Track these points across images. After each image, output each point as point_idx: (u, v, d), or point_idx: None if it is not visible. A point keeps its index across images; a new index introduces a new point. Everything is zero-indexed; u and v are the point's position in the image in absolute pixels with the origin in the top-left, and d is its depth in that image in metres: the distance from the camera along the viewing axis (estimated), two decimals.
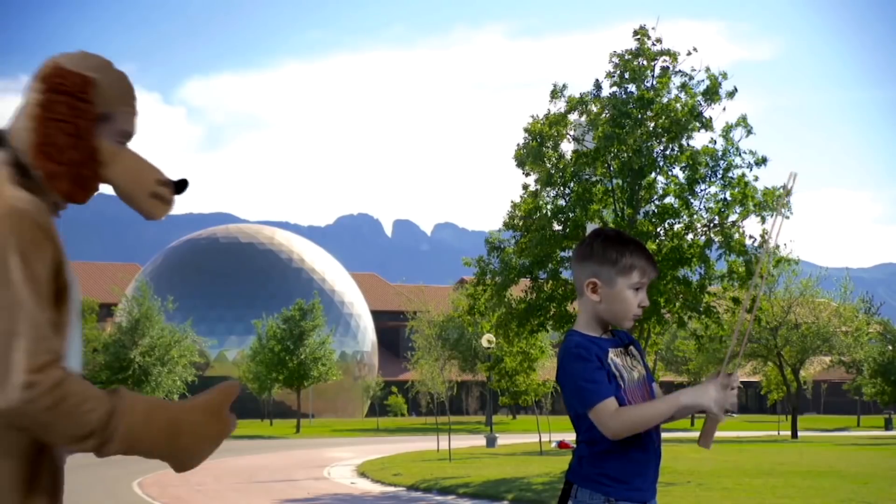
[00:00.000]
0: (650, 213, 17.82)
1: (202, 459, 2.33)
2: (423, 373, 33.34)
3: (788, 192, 2.99)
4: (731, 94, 17.45)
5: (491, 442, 29.04)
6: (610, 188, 17.72)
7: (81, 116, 2.34)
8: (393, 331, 68.12)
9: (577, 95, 17.88)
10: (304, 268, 61.20)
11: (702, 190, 17.62)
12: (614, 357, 2.98)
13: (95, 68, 2.42)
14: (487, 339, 23.84)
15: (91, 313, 55.98)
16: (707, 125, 17.38)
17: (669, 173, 17.83)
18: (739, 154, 17.42)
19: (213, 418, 2.34)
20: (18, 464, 2.26)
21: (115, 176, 2.42)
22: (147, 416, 2.23)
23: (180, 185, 2.47)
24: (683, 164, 17.53)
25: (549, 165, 17.68)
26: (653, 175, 17.73)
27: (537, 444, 27.31)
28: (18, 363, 2.09)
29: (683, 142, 17.50)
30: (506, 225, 18.45)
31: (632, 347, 3.06)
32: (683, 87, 17.50)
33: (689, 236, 17.60)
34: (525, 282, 18.36)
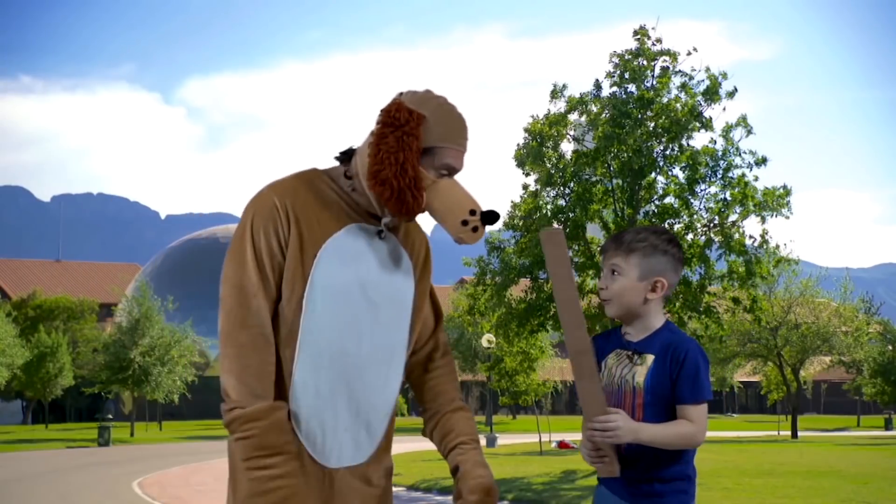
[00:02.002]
0: (650, 213, 17.82)
1: None
2: None
3: None
4: (731, 94, 17.45)
5: (491, 442, 29.03)
6: (610, 188, 17.72)
7: (406, 148, 2.69)
8: None
9: (577, 95, 17.87)
10: None
11: (702, 190, 17.63)
12: (613, 357, 3.00)
13: (429, 106, 2.76)
14: (487, 339, 23.86)
15: (91, 313, 56.01)
16: (707, 125, 17.38)
17: (669, 173, 17.84)
18: (739, 154, 17.42)
19: None
20: None
21: (432, 202, 2.76)
22: None
23: (488, 216, 2.76)
24: (683, 164, 17.54)
25: (549, 165, 17.68)
26: (653, 175, 17.73)
27: (537, 444, 27.30)
28: None
29: (683, 142, 17.51)
30: (506, 225, 18.44)
31: (647, 355, 2.94)
32: (683, 87, 17.50)
33: (689, 236, 17.60)
34: (525, 282, 18.37)
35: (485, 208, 2.79)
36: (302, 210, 2.73)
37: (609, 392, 2.95)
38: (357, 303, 2.77)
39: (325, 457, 2.77)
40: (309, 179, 2.81)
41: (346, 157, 2.85)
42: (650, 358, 2.93)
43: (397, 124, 2.71)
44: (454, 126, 2.78)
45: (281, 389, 2.73)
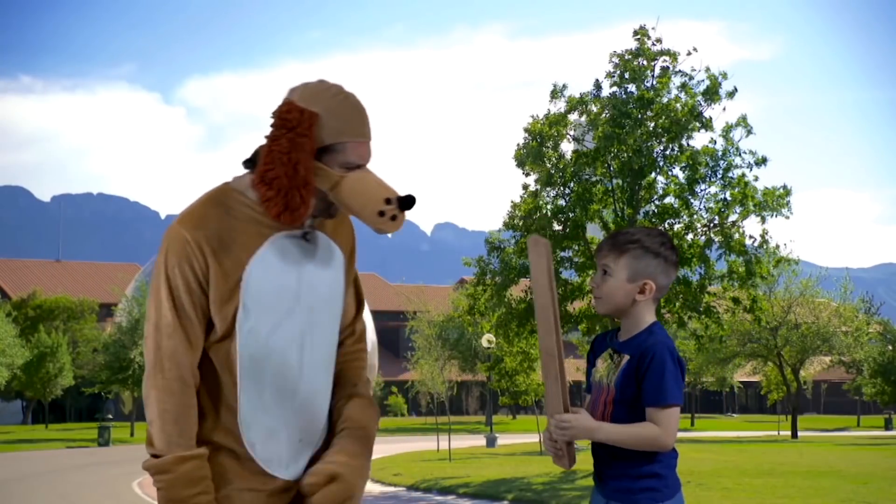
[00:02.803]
0: (650, 213, 17.82)
1: None
2: (422, 373, 33.29)
3: None
4: (731, 94, 17.45)
5: (491, 442, 29.04)
6: (610, 188, 17.72)
7: (298, 149, 2.61)
8: (393, 331, 68.11)
9: (577, 95, 17.88)
10: None
11: (702, 190, 17.63)
12: (604, 356, 3.09)
13: (322, 102, 2.66)
14: (487, 339, 23.83)
15: (91, 313, 55.99)
16: (707, 125, 17.38)
17: (669, 173, 17.84)
18: (739, 154, 17.42)
19: None
20: None
21: (343, 199, 2.68)
22: None
23: (404, 202, 2.68)
24: (683, 164, 17.54)
25: (549, 165, 17.68)
26: (653, 175, 17.73)
27: (537, 444, 27.29)
28: None
29: (683, 142, 17.51)
30: (506, 225, 18.44)
31: (625, 356, 2.99)
32: (683, 87, 17.50)
33: (689, 236, 17.60)
34: (525, 282, 18.36)
35: (416, 195, 2.70)
36: (216, 238, 2.64)
37: (596, 389, 3.07)
38: (294, 313, 2.72)
39: (285, 471, 2.75)
40: (219, 201, 2.70)
41: (253, 163, 2.74)
42: (626, 358, 2.99)
43: (289, 126, 2.62)
44: (351, 119, 2.68)
45: (228, 413, 2.70)
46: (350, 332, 2.95)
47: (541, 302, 3.00)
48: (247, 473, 2.71)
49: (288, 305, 2.70)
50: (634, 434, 2.90)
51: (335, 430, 2.82)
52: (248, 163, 2.74)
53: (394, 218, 2.67)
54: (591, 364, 3.14)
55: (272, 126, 2.66)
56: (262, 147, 2.69)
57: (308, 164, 2.62)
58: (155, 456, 2.63)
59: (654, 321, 3.06)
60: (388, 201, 2.66)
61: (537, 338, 3.07)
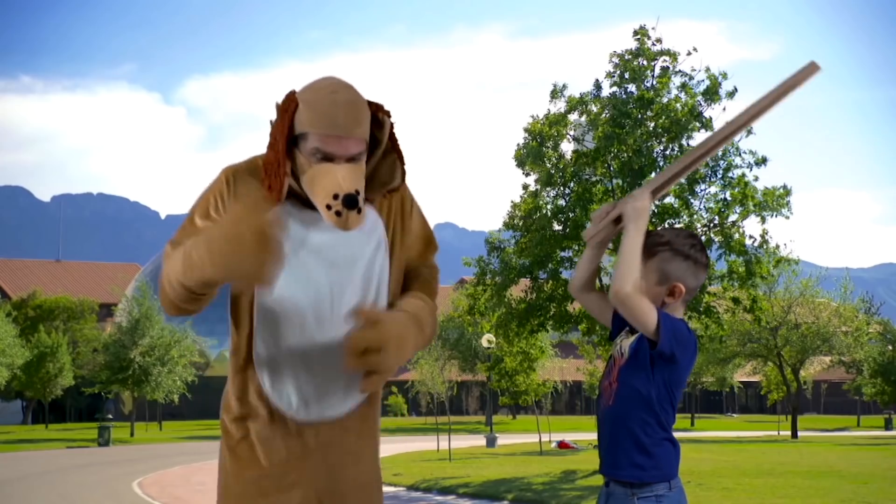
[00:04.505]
0: (650, 213, 17.82)
1: None
2: (423, 373, 33.30)
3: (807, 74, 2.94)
4: (731, 95, 17.44)
5: (491, 442, 29.03)
6: (610, 188, 17.71)
7: (278, 133, 2.81)
8: None
9: (577, 95, 17.87)
10: None
11: (702, 190, 17.62)
12: (623, 333, 3.11)
13: (308, 93, 2.82)
14: (487, 339, 23.85)
15: (91, 313, 55.98)
16: (707, 125, 17.38)
17: None
18: (739, 154, 17.41)
19: None
20: None
21: (305, 187, 2.82)
22: None
23: (347, 199, 2.74)
24: None
25: (549, 165, 17.68)
26: (653, 175, 17.72)
27: (537, 444, 27.30)
28: None
29: (683, 142, 17.50)
30: (506, 225, 18.44)
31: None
32: (683, 87, 17.50)
33: None
34: (525, 282, 18.36)
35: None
36: (246, 188, 2.88)
37: (612, 360, 3.10)
38: (311, 266, 2.84)
39: (304, 412, 2.87)
40: (255, 164, 2.94)
41: None
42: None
43: (279, 110, 2.83)
44: (323, 111, 2.77)
45: (247, 365, 2.86)
46: (415, 270, 3.11)
47: (760, 104, 2.99)
48: (268, 414, 2.86)
49: (303, 258, 2.84)
50: (637, 259, 2.91)
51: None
52: None
53: (338, 214, 2.74)
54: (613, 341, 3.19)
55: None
56: None
57: (281, 148, 2.79)
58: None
59: (682, 319, 3.07)
60: (335, 196, 2.74)
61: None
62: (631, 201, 2.99)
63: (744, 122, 2.98)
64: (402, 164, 2.98)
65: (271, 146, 2.82)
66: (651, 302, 2.98)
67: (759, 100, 2.99)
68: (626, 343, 3.04)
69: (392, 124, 2.93)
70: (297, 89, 2.85)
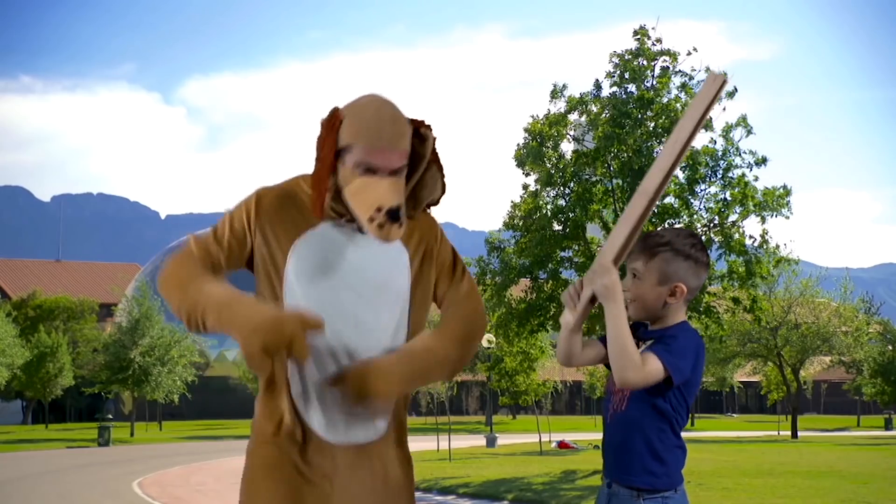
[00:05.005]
0: (650, 213, 17.82)
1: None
2: None
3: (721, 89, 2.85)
4: (731, 94, 17.44)
5: (491, 442, 29.04)
6: (610, 188, 17.71)
7: (324, 147, 2.87)
8: None
9: (577, 95, 17.86)
10: None
11: (702, 190, 17.61)
12: None
13: (353, 108, 2.89)
14: (487, 339, 23.83)
15: (91, 313, 55.97)
16: (707, 125, 17.38)
17: None
18: (739, 154, 17.41)
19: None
20: None
21: (348, 199, 2.87)
22: None
23: (390, 213, 2.81)
24: (683, 164, 17.52)
25: (549, 165, 17.67)
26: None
27: (537, 444, 27.30)
28: None
29: None
30: (506, 225, 18.43)
31: (646, 341, 3.03)
32: (683, 87, 17.50)
33: None
34: (525, 282, 18.36)
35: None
36: (275, 212, 2.95)
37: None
38: (338, 291, 2.91)
39: (329, 433, 2.91)
40: (290, 187, 3.01)
41: None
42: (651, 342, 3.00)
43: (324, 126, 2.89)
44: (366, 124, 2.85)
45: (276, 388, 2.92)
46: (443, 297, 3.16)
47: (679, 136, 2.88)
48: (301, 434, 2.92)
49: (331, 283, 2.91)
50: (629, 341, 2.85)
51: None
52: None
53: (381, 227, 2.82)
54: None
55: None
56: None
57: (326, 163, 2.86)
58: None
59: (683, 320, 3.06)
60: (378, 209, 2.82)
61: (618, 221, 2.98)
62: (598, 279, 2.90)
63: (677, 155, 2.90)
64: (443, 176, 3.05)
65: (319, 160, 2.88)
66: (654, 303, 2.98)
67: (678, 129, 2.91)
68: None
69: (434, 139, 2.99)
70: (340, 107, 2.91)
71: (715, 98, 2.88)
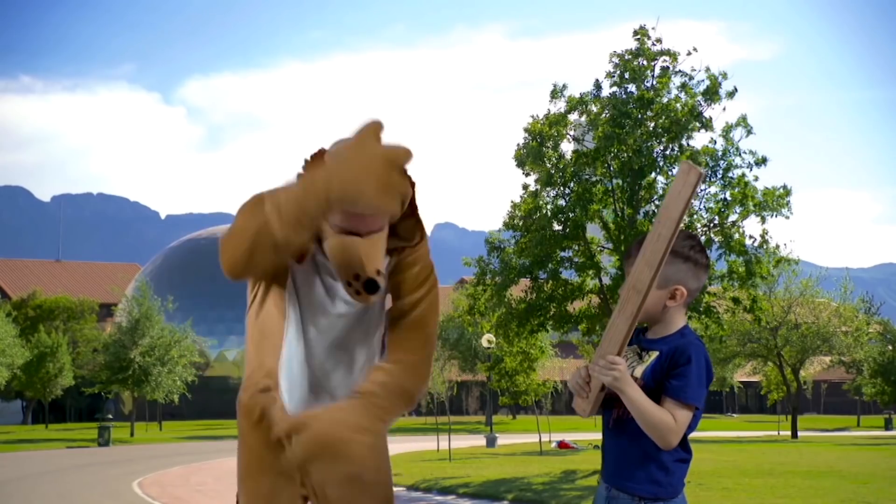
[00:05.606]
0: (650, 213, 17.80)
1: None
2: None
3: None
4: (731, 94, 17.44)
5: (491, 442, 29.03)
6: (610, 188, 17.71)
7: (310, 202, 2.78)
8: None
9: (577, 95, 17.86)
10: None
11: (702, 190, 17.61)
12: (627, 351, 3.06)
13: (340, 158, 2.78)
14: (487, 339, 23.83)
15: (91, 313, 55.97)
16: (707, 125, 17.38)
17: (669, 173, 17.82)
18: (739, 154, 17.41)
19: None
20: None
21: (328, 254, 2.89)
22: None
23: (368, 285, 2.82)
24: None
25: (549, 165, 17.67)
26: (653, 175, 17.72)
27: (537, 444, 27.30)
28: None
29: (683, 142, 17.50)
30: (506, 225, 18.42)
31: (653, 352, 3.00)
32: (683, 87, 17.50)
33: None
34: (525, 282, 18.35)
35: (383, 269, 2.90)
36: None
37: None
38: (328, 316, 2.99)
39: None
40: None
41: None
42: (654, 355, 2.96)
43: (307, 167, 2.92)
44: (351, 192, 2.78)
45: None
46: (402, 307, 3.09)
47: (661, 231, 2.83)
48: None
49: (321, 309, 2.97)
50: (655, 413, 2.85)
51: None
52: None
53: (357, 293, 2.84)
54: None
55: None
56: None
57: (306, 219, 2.81)
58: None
59: (684, 324, 3.03)
60: (356, 277, 2.81)
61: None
62: (607, 373, 2.88)
63: (663, 252, 2.84)
64: (422, 226, 3.00)
65: (298, 206, 2.79)
66: (654, 306, 2.97)
67: (661, 223, 2.86)
68: (639, 369, 2.99)
69: (414, 191, 2.90)
70: (327, 148, 2.88)
71: (693, 191, 2.82)
